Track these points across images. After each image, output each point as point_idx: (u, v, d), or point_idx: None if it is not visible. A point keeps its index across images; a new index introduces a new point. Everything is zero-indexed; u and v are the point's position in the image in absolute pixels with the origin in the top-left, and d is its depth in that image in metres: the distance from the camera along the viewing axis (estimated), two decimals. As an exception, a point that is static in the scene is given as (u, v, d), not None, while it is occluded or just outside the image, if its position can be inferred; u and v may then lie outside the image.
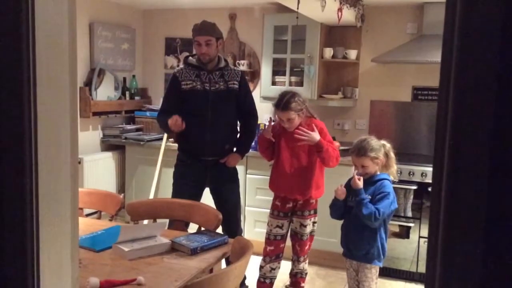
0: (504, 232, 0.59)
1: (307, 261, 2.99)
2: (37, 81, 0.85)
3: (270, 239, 2.97)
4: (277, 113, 2.84)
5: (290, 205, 2.91)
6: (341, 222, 2.71)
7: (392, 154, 2.60)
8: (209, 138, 3.04)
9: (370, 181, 2.55)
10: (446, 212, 0.61)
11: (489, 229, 0.59)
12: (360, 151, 2.53)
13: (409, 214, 3.68)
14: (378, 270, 2.60)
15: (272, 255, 2.97)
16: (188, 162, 3.13)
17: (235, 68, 3.25)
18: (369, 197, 2.50)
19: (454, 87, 0.58)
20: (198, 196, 3.12)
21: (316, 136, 2.73)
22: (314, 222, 2.95)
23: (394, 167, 2.61)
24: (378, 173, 2.58)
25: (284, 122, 2.82)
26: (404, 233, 3.71)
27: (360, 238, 2.52)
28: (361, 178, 2.49)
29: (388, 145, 2.61)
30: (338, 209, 2.61)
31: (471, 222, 0.60)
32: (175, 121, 2.94)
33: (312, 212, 2.92)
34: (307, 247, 2.94)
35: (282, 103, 2.78)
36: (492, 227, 0.59)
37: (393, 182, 2.65)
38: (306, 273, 3.01)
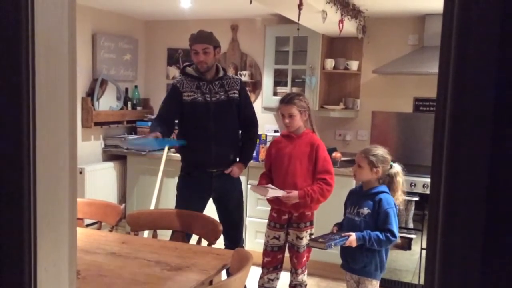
0: (503, 238, 0.58)
1: (305, 273, 2.96)
2: (36, 91, 0.85)
3: (267, 250, 2.96)
4: (280, 108, 2.87)
5: (285, 216, 2.90)
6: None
7: (398, 179, 2.53)
8: (214, 150, 3.00)
9: (368, 193, 2.53)
10: (445, 217, 0.61)
11: (488, 235, 0.59)
12: (364, 150, 2.57)
13: (411, 225, 3.66)
14: (379, 282, 2.58)
15: (269, 267, 2.96)
16: (194, 173, 3.09)
17: (233, 76, 3.24)
18: (369, 211, 2.48)
19: (452, 96, 0.58)
20: (203, 207, 3.09)
21: (293, 199, 2.75)
22: (310, 234, 2.92)
23: (400, 193, 2.54)
24: (377, 185, 2.55)
25: (285, 117, 2.84)
26: (406, 244, 3.68)
27: (358, 251, 2.49)
28: (352, 238, 2.45)
29: (396, 169, 2.55)
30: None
31: (470, 227, 0.59)
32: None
33: (308, 224, 2.89)
34: (304, 259, 2.92)
35: (288, 97, 2.86)
36: (491, 233, 0.59)
37: (397, 207, 2.57)
38: (305, 285, 2.99)
